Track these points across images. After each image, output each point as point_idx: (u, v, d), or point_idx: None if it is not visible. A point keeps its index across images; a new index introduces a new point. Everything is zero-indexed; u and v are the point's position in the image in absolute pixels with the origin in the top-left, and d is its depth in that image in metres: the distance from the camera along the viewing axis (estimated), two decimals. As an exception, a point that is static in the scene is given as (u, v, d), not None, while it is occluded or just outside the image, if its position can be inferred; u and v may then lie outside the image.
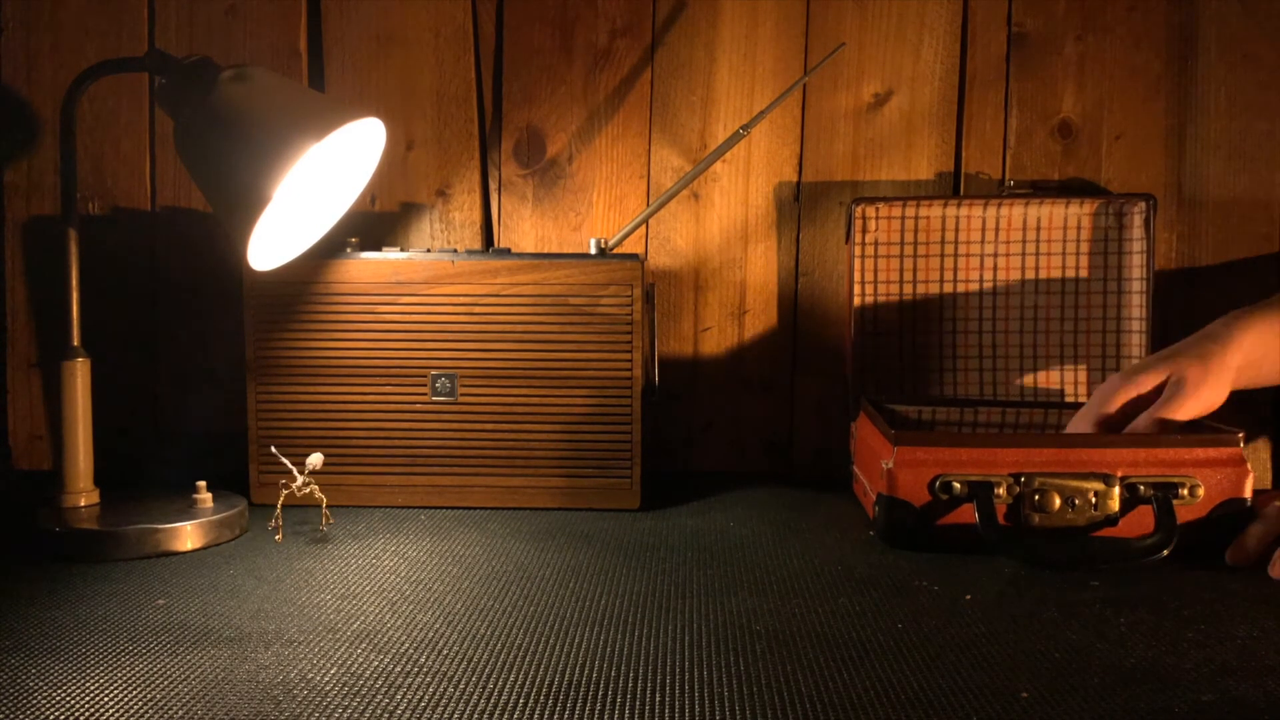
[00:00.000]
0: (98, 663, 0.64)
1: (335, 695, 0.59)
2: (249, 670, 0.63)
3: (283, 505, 0.92)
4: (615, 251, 1.05)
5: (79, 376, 0.93)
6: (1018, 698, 0.59)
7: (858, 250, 1.14)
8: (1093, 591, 0.78)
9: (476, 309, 1.02)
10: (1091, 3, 1.16)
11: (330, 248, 1.03)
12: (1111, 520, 0.86)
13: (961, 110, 1.18)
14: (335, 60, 1.19)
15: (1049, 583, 0.80)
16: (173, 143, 0.95)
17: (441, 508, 1.03)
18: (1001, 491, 0.87)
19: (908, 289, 1.15)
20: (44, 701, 0.58)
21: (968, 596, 0.75)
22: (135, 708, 0.57)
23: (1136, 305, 1.12)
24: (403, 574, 0.82)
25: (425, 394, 1.03)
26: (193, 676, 0.62)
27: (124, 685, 0.60)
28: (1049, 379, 1.14)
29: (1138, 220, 1.11)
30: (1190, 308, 1.18)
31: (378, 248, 1.04)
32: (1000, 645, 0.67)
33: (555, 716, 0.57)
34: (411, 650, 0.66)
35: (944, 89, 1.18)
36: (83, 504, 0.93)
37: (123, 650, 0.66)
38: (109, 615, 0.72)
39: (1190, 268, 1.18)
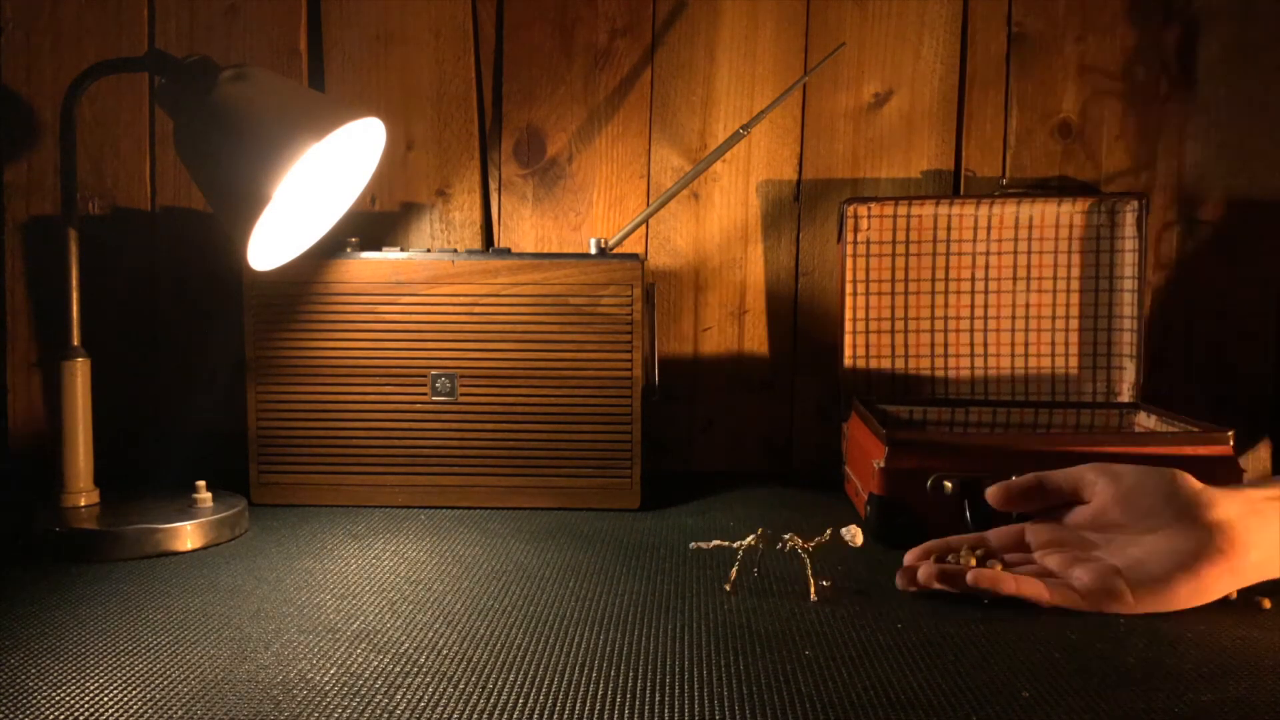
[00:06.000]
0: (98, 663, 0.64)
1: (335, 695, 0.59)
2: (249, 670, 0.63)
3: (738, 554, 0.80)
4: (615, 251, 1.05)
5: (79, 376, 0.93)
6: (1018, 697, 0.59)
7: (850, 250, 1.14)
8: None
9: (476, 309, 1.02)
10: (1091, 3, 1.16)
11: (330, 248, 1.03)
12: None
13: (961, 110, 1.18)
14: (335, 60, 1.19)
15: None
16: (173, 143, 0.95)
17: (441, 508, 1.03)
18: None
19: (900, 288, 1.15)
20: (44, 701, 0.58)
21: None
22: (135, 708, 0.57)
23: (1129, 304, 1.12)
24: (403, 574, 0.82)
25: (425, 394, 1.03)
26: (193, 676, 0.62)
27: (124, 685, 0.60)
28: (1041, 378, 1.14)
29: (1130, 219, 1.11)
30: (1190, 308, 1.19)
31: (378, 248, 1.04)
32: (1000, 645, 0.67)
33: (555, 716, 0.57)
34: (411, 650, 0.66)
35: (944, 89, 1.18)
36: (83, 504, 0.93)
37: (123, 650, 0.66)
38: (109, 615, 0.72)
39: (1191, 268, 1.18)
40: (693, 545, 0.84)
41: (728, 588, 0.78)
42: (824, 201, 1.19)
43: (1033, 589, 0.72)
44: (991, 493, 0.81)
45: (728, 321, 1.21)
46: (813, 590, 0.76)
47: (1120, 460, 0.80)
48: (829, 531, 0.79)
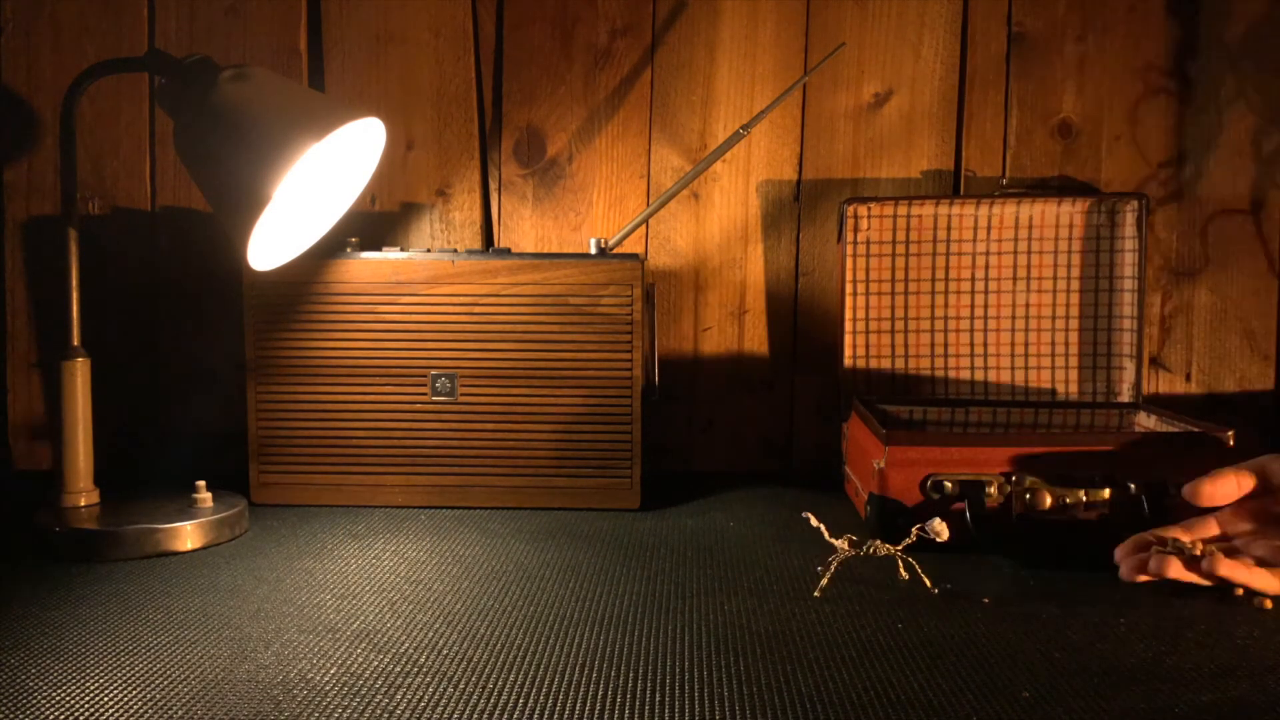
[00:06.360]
0: (98, 663, 0.64)
1: (335, 695, 0.59)
2: (249, 670, 0.63)
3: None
4: (615, 251, 1.05)
5: (79, 376, 0.93)
6: (1018, 697, 0.59)
7: (850, 250, 1.14)
8: (1092, 591, 0.78)
9: (476, 309, 1.02)
10: (1091, 3, 1.16)
11: (330, 248, 1.03)
12: (1104, 518, 0.86)
13: (961, 110, 1.18)
14: (335, 60, 1.19)
15: (1048, 582, 0.80)
16: (173, 143, 0.95)
17: (441, 508, 1.03)
18: (993, 491, 0.87)
19: (900, 288, 1.15)
20: (44, 701, 0.58)
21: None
22: (135, 708, 0.57)
23: (1128, 304, 1.12)
24: (403, 574, 0.82)
25: (425, 394, 1.03)
26: (193, 676, 0.62)
27: (124, 685, 0.60)
28: (1040, 378, 1.14)
29: (1130, 219, 1.11)
30: (1190, 308, 1.19)
31: (378, 248, 1.04)
32: (1000, 645, 0.67)
33: (555, 716, 0.57)
34: (411, 650, 0.66)
35: (944, 89, 1.18)
36: (83, 504, 0.93)
37: (123, 650, 0.66)
38: (109, 615, 0.72)
39: (1190, 268, 1.18)
40: (804, 514, 0.84)
41: (817, 594, 0.77)
42: (824, 201, 1.19)
43: (1263, 580, 0.75)
44: (1189, 490, 0.81)
45: (728, 321, 1.21)
46: (929, 583, 0.78)
47: (1121, 460, 0.81)
48: (915, 531, 0.80)
